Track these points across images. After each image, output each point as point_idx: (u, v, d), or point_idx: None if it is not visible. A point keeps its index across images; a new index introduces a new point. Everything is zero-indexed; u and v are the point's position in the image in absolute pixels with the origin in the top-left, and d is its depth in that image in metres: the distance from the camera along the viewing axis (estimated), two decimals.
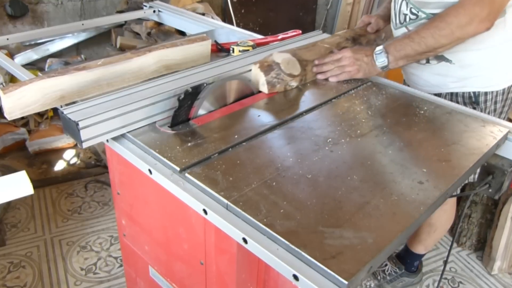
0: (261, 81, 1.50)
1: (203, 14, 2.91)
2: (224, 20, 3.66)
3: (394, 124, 1.37)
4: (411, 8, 1.64)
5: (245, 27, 4.00)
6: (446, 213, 2.00)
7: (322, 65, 1.62)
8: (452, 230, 2.66)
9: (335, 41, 1.73)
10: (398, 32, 1.73)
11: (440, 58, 1.66)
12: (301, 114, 1.41)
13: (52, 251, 2.40)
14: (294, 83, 1.55)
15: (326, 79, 1.63)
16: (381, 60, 1.56)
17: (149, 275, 1.53)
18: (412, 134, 1.33)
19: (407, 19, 1.67)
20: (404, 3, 1.67)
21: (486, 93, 1.68)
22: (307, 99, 1.49)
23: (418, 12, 1.62)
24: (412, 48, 1.51)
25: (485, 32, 1.52)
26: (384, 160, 1.19)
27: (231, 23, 3.57)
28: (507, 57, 1.64)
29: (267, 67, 1.50)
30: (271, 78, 1.50)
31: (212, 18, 2.82)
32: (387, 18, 1.89)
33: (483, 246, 2.51)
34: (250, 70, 1.53)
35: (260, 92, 1.52)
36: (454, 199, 2.02)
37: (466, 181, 1.67)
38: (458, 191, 1.51)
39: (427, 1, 1.58)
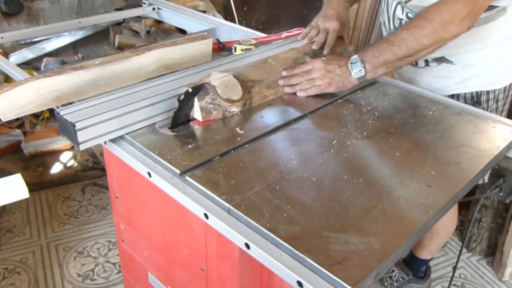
0: (195, 107, 1.35)
1: (204, 12, 2.91)
2: (226, 18, 3.66)
3: (401, 126, 1.37)
4: (407, 12, 1.64)
5: (248, 25, 4.01)
6: (447, 217, 1.98)
7: (290, 77, 1.52)
8: (462, 235, 2.66)
9: (291, 57, 1.58)
10: None
11: (440, 60, 1.66)
12: (306, 115, 1.41)
13: (48, 256, 2.40)
14: (234, 109, 1.39)
15: (294, 93, 1.52)
16: (357, 70, 1.44)
17: (149, 281, 1.53)
18: (420, 135, 1.33)
19: (403, 24, 1.67)
20: (399, 7, 1.66)
21: (488, 92, 1.69)
22: (312, 100, 1.49)
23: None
24: (392, 52, 1.40)
25: (486, 31, 1.52)
26: (391, 163, 1.19)
27: (233, 21, 3.57)
28: (509, 55, 1.65)
29: (203, 90, 1.35)
30: (205, 104, 1.34)
31: (214, 16, 2.83)
32: (344, 17, 1.74)
33: (493, 252, 2.51)
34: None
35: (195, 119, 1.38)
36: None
37: (476, 184, 1.68)
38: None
39: (425, 6, 1.57)
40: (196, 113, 1.35)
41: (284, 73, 1.52)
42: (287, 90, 1.52)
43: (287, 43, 1.76)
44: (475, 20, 1.40)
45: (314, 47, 1.65)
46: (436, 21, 1.37)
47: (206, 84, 1.34)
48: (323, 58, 1.53)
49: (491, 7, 1.54)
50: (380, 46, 1.43)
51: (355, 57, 1.45)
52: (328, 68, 1.48)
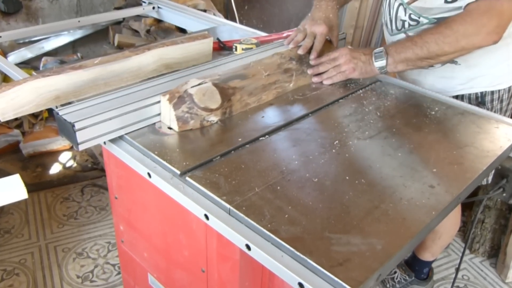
0: (170, 117, 1.31)
1: (205, 11, 2.91)
2: (226, 17, 3.66)
3: (404, 126, 1.37)
4: (410, 14, 1.64)
5: (249, 24, 4.00)
6: (450, 219, 1.98)
7: (318, 65, 1.60)
8: (465, 236, 2.66)
9: (276, 62, 1.55)
10: (395, 38, 1.72)
11: None
12: (307, 115, 1.41)
13: (47, 258, 2.40)
14: (213, 118, 1.34)
15: (321, 82, 1.59)
16: (379, 60, 1.52)
17: (148, 283, 1.53)
18: (423, 136, 1.33)
19: (406, 25, 1.67)
20: (401, 8, 1.66)
21: (492, 92, 1.69)
22: (313, 100, 1.49)
23: (419, 18, 1.62)
24: (413, 52, 1.48)
25: None
26: (394, 163, 1.19)
27: (234, 20, 3.57)
28: None
29: (178, 99, 1.30)
30: (181, 113, 1.29)
31: (214, 14, 2.83)
32: (333, 21, 1.71)
33: (497, 253, 2.51)
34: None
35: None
36: (459, 204, 2.00)
37: (479, 185, 1.67)
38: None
39: (429, 7, 1.57)
40: (172, 122, 1.31)
41: (312, 62, 1.60)
42: (315, 79, 1.60)
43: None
44: (502, 33, 1.44)
45: (300, 52, 1.63)
46: (461, 32, 1.42)
47: (183, 92, 1.31)
48: (349, 46, 1.59)
49: None
50: (404, 44, 1.51)
51: (380, 48, 1.53)
52: (354, 54, 1.56)
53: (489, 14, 1.40)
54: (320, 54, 1.64)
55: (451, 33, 1.43)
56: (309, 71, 1.60)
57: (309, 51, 1.64)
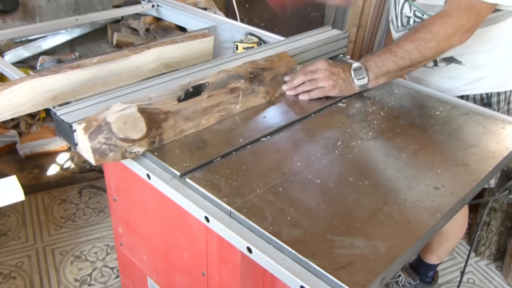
0: (86, 148, 1.14)
1: (205, 9, 2.91)
2: (227, 15, 3.66)
3: (408, 126, 1.37)
4: (415, 10, 1.64)
5: (250, 22, 4.00)
6: (457, 221, 1.98)
7: (292, 79, 1.50)
8: (470, 239, 2.66)
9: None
10: (400, 35, 1.72)
11: (449, 60, 1.66)
12: (309, 115, 1.41)
13: (44, 261, 2.40)
14: (137, 149, 1.17)
15: (296, 96, 1.51)
16: (360, 77, 1.47)
17: (148, 286, 1.53)
18: (427, 136, 1.33)
19: (411, 22, 1.67)
20: (406, 5, 1.67)
21: (499, 94, 1.68)
22: (315, 100, 1.49)
23: (423, 15, 1.62)
24: (394, 63, 1.44)
25: (495, 31, 1.52)
26: (398, 164, 1.19)
27: (235, 19, 3.57)
28: None
29: (96, 128, 1.12)
30: (98, 144, 1.12)
31: (215, 13, 2.83)
32: None
33: (503, 256, 2.50)
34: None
35: None
36: (466, 206, 2.00)
37: (485, 186, 1.67)
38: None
39: (433, 4, 1.57)
40: (87, 154, 1.15)
41: (287, 78, 1.51)
42: (289, 93, 1.51)
43: (291, 40, 1.76)
44: (474, 31, 1.45)
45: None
46: (441, 35, 1.41)
47: (101, 121, 1.14)
48: (328, 60, 1.52)
49: (497, 9, 1.54)
50: (382, 56, 1.46)
51: (358, 65, 1.47)
52: (333, 70, 1.48)
53: (469, 14, 1.40)
54: (276, 71, 1.51)
55: (431, 37, 1.41)
56: (284, 87, 1.50)
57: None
